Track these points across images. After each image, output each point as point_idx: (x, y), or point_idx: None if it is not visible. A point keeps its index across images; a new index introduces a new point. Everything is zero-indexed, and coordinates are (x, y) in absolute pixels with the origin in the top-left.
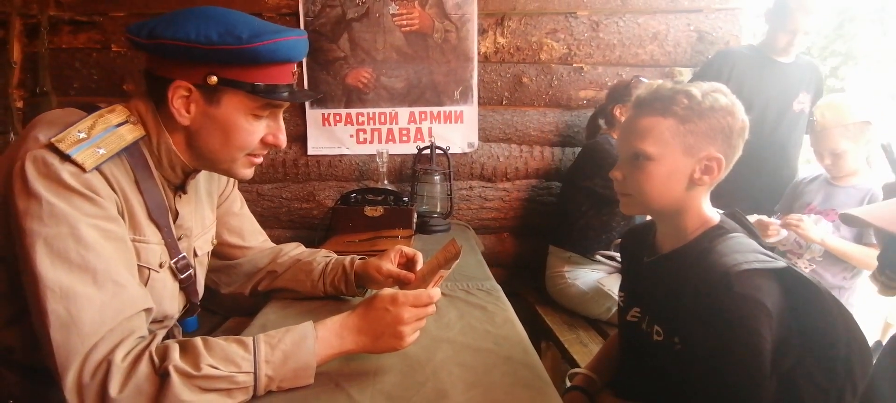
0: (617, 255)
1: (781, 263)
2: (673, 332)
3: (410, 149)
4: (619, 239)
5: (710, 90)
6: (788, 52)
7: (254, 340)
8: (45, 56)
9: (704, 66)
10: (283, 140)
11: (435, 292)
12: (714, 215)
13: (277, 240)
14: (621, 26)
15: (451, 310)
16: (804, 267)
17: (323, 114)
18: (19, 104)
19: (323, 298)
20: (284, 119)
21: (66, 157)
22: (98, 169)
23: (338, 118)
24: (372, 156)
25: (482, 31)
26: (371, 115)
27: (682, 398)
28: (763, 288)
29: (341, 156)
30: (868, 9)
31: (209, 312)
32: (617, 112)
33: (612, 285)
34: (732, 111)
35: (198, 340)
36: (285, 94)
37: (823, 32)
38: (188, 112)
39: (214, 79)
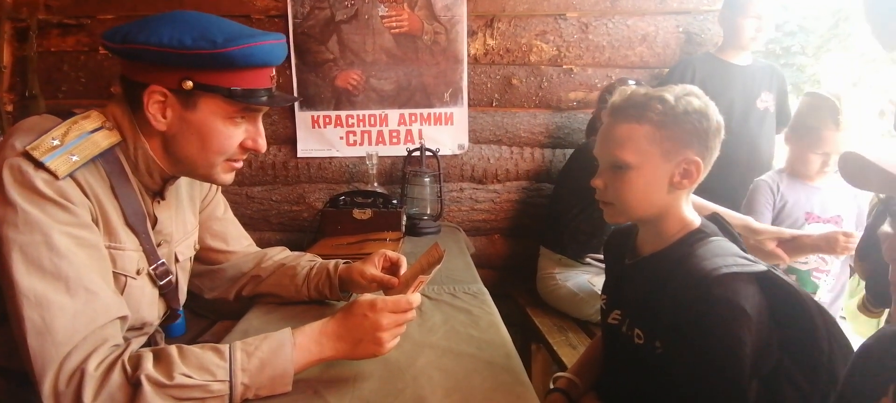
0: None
1: (761, 267)
2: (654, 336)
3: (400, 151)
4: None
5: (683, 94)
6: (756, 41)
7: (230, 347)
8: (34, 59)
9: (667, 75)
10: (262, 144)
11: (414, 298)
12: (695, 218)
13: (267, 243)
14: (610, 28)
15: (436, 314)
16: (831, 282)
17: (312, 116)
18: (9, 107)
19: (307, 302)
20: (274, 121)
21: (39, 165)
22: (71, 175)
23: (327, 120)
24: (362, 158)
25: (472, 33)
26: (361, 117)
27: (663, 401)
28: (742, 292)
29: (331, 158)
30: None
31: (197, 316)
32: (604, 116)
33: (598, 281)
34: (706, 113)
35: (173, 348)
36: (263, 99)
37: (819, 32)
38: (164, 117)
39: (190, 83)
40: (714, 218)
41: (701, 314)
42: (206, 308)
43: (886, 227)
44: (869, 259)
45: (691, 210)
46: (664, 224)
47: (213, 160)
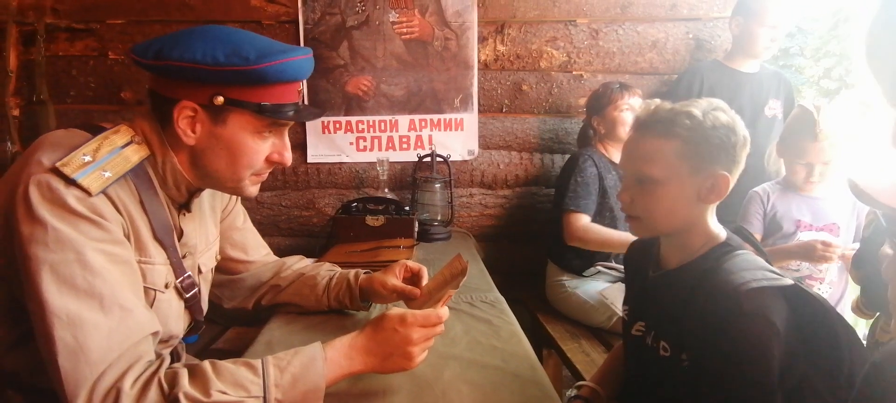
0: (618, 266)
1: (788, 281)
2: (680, 348)
3: (410, 156)
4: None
5: (710, 109)
6: (769, 50)
7: (262, 363)
8: (42, 64)
9: (675, 83)
10: (288, 158)
11: (443, 311)
12: (720, 231)
13: (277, 248)
14: (621, 34)
15: (457, 324)
16: (827, 291)
17: (322, 122)
18: (16, 112)
19: (327, 312)
20: None
21: (71, 182)
22: (104, 192)
23: (338, 126)
24: (372, 164)
25: (482, 39)
26: (371, 123)
27: None
28: (772, 306)
29: (341, 163)
30: (863, 9)
31: (210, 321)
32: (595, 123)
33: (614, 296)
34: (734, 128)
35: (206, 364)
36: (291, 113)
37: (818, 33)
38: (194, 132)
39: (221, 99)
40: (739, 230)
41: (731, 328)
42: (218, 314)
43: (887, 248)
44: (864, 268)
45: (716, 223)
46: (689, 237)
47: (241, 174)
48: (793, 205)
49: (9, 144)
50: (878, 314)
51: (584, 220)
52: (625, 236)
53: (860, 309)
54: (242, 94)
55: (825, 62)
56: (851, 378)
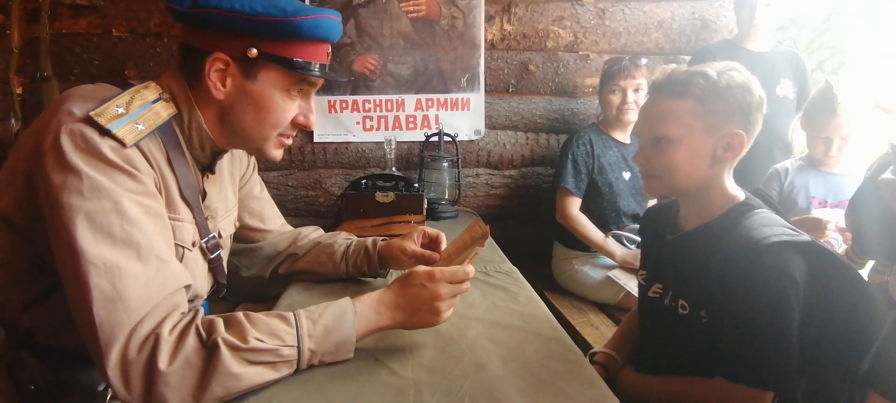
0: (625, 235)
1: (806, 237)
2: (699, 306)
3: (417, 136)
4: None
5: (725, 69)
6: (767, 31)
7: (295, 314)
8: (46, 41)
9: (689, 64)
10: (313, 121)
11: (469, 269)
12: (739, 192)
13: None
14: (627, 14)
15: (474, 291)
16: None
17: (329, 101)
18: (19, 90)
19: (344, 280)
20: None
21: (105, 132)
22: (137, 145)
23: (344, 105)
24: (378, 144)
25: (489, 18)
26: (377, 102)
27: (706, 370)
28: (792, 260)
29: (347, 143)
30: (857, 2)
31: (220, 299)
32: (598, 98)
33: (620, 274)
34: (749, 87)
35: (240, 314)
36: (319, 72)
37: (811, 26)
38: (223, 86)
39: (255, 51)
40: (757, 191)
41: (750, 282)
42: (228, 291)
43: (889, 174)
44: (861, 208)
45: (734, 184)
46: (708, 198)
47: (267, 133)
48: (810, 181)
49: (12, 122)
50: (870, 262)
51: (574, 203)
52: (601, 240)
53: (851, 256)
54: (276, 49)
55: (819, 54)
56: (867, 331)
